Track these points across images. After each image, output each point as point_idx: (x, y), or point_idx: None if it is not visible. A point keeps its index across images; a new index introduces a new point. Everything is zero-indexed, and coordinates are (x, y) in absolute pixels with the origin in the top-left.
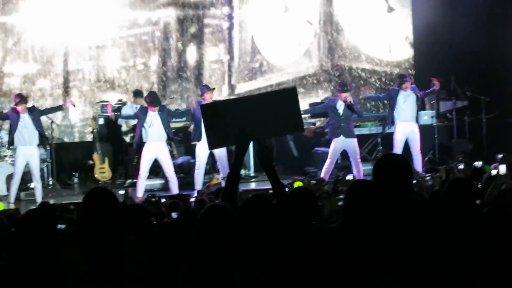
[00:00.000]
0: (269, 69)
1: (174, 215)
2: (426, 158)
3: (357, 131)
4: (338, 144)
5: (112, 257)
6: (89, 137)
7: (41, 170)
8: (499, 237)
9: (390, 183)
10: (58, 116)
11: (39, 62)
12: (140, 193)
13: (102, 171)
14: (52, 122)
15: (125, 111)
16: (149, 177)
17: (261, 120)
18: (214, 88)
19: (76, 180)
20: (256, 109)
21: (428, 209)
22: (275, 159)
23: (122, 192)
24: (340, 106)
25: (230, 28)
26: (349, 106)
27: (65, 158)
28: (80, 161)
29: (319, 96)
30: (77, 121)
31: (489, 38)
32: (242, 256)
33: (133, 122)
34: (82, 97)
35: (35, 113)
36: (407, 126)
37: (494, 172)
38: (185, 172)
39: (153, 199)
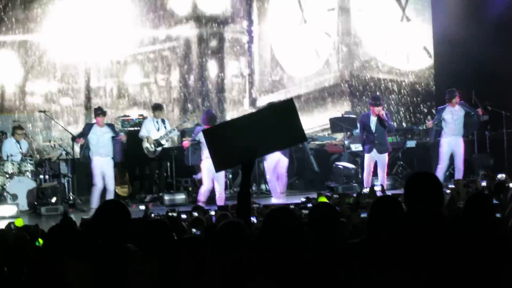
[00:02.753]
0: (289, 81)
1: (195, 231)
2: (447, 173)
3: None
4: (371, 158)
5: (119, 272)
6: None
7: (62, 184)
8: None
9: (420, 201)
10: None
11: (61, 80)
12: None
13: (123, 186)
14: (73, 137)
15: (146, 125)
16: (170, 192)
17: (263, 136)
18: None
19: None
20: (257, 126)
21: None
22: (296, 174)
23: (142, 207)
24: (372, 121)
25: (250, 42)
26: (381, 121)
27: (86, 173)
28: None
29: (337, 107)
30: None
31: (510, 51)
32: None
33: (154, 136)
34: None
35: (112, 128)
36: (453, 140)
37: None
38: None
39: (173, 214)
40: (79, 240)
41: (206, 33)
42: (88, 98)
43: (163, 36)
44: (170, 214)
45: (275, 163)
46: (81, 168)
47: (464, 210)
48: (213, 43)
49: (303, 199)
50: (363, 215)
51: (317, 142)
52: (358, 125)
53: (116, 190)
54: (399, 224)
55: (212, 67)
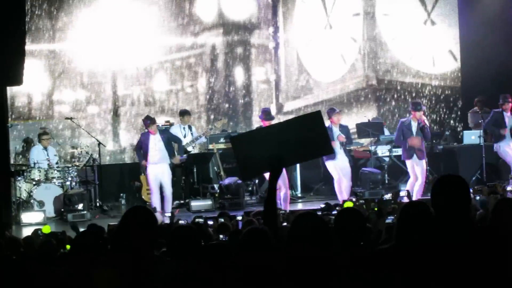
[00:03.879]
0: (316, 87)
1: (222, 237)
2: (474, 178)
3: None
4: (412, 163)
5: (145, 279)
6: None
7: (88, 191)
8: None
9: (447, 204)
10: (108, 140)
11: (88, 89)
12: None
13: (149, 192)
14: (99, 143)
15: (174, 131)
16: (196, 198)
17: (289, 146)
18: (340, 111)
19: (123, 201)
20: (284, 136)
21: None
22: (322, 179)
23: (168, 214)
24: (414, 127)
25: (276, 48)
26: (422, 128)
27: (112, 180)
28: (127, 183)
29: (364, 112)
30: (127, 145)
31: None
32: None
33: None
34: (131, 121)
35: (166, 134)
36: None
37: None
38: (232, 193)
39: (199, 220)
40: (106, 247)
41: (232, 39)
42: (115, 106)
43: (189, 43)
44: (196, 220)
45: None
46: (108, 174)
47: (492, 214)
48: (239, 49)
49: (322, 205)
50: (388, 220)
51: None
52: (397, 130)
53: (143, 197)
54: (428, 229)
55: (238, 73)
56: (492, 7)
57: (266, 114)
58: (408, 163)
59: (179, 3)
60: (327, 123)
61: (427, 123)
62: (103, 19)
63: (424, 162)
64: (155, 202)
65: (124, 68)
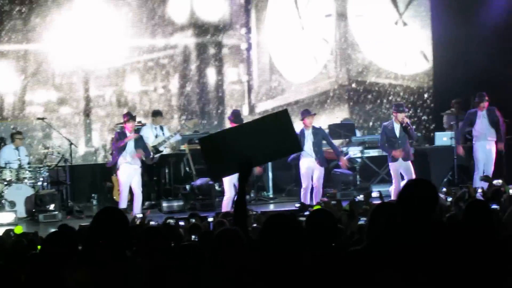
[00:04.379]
0: (288, 88)
1: (194, 237)
2: (445, 179)
3: (376, 152)
4: (396, 166)
5: (117, 279)
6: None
7: (60, 192)
8: None
9: (415, 206)
10: (81, 141)
11: (60, 89)
12: None
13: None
14: (71, 144)
15: (145, 132)
16: (168, 199)
17: (258, 146)
18: (315, 114)
19: (94, 202)
20: (252, 136)
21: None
22: (294, 181)
23: (140, 215)
24: (396, 129)
25: (248, 49)
26: (405, 128)
27: (84, 180)
28: (99, 183)
29: (336, 113)
30: (99, 146)
31: (509, 55)
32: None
33: (153, 143)
34: (104, 122)
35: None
36: (485, 145)
37: None
38: (203, 194)
39: (171, 221)
40: (77, 247)
41: (204, 40)
42: (87, 107)
43: (161, 44)
44: (168, 221)
45: (311, 173)
46: (79, 175)
47: (463, 215)
48: (212, 50)
49: (297, 205)
50: (361, 221)
51: None
52: (380, 134)
53: (115, 198)
54: (398, 230)
55: (210, 74)
56: (466, 8)
57: (235, 116)
58: (392, 166)
59: (151, 4)
60: (299, 125)
61: (410, 124)
62: (76, 19)
63: (410, 164)
64: (124, 202)
65: (96, 69)
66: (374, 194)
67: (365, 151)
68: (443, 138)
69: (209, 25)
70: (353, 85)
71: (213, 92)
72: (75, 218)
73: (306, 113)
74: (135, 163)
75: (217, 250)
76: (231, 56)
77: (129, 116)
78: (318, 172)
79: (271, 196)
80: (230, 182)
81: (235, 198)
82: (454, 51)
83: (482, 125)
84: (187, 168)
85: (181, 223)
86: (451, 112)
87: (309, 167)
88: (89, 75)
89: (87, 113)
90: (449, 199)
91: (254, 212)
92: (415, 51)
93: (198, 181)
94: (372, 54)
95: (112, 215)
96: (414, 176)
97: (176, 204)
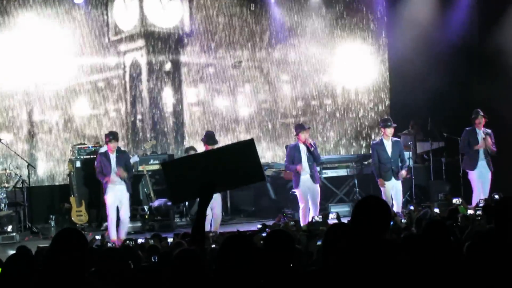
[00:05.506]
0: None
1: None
2: (403, 199)
3: (334, 173)
4: (389, 186)
5: None
6: (66, 180)
7: (18, 214)
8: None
9: (368, 224)
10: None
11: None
12: None
13: (79, 214)
14: (29, 165)
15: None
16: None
17: (222, 173)
18: (309, 128)
19: (52, 223)
20: (217, 163)
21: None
22: (253, 202)
23: (98, 236)
24: (387, 145)
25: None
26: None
27: (41, 201)
28: (57, 204)
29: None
30: (45, 177)
31: (464, 78)
32: None
33: None
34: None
35: (125, 156)
36: (484, 164)
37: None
38: (162, 215)
39: (129, 242)
40: (36, 269)
41: (157, 59)
42: (30, 133)
43: (112, 62)
44: (127, 242)
45: (307, 191)
46: (37, 196)
47: (422, 235)
48: (167, 67)
49: (259, 226)
50: (319, 242)
51: (273, 169)
52: (372, 152)
53: (73, 219)
54: (351, 251)
55: (167, 93)
56: (419, 28)
57: (208, 137)
58: (387, 184)
59: (100, 20)
60: (294, 140)
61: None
62: (17, 39)
63: (399, 184)
64: (112, 230)
65: (40, 91)
66: (332, 215)
67: (323, 171)
68: None
69: (164, 41)
70: (311, 105)
71: (170, 112)
72: (33, 240)
73: (300, 129)
74: (120, 184)
75: (175, 270)
76: (189, 73)
77: (112, 136)
78: (315, 191)
79: (229, 217)
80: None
81: (194, 222)
82: (410, 72)
83: (481, 144)
84: (145, 189)
85: (141, 240)
86: (408, 132)
87: (305, 185)
88: (32, 98)
89: (30, 139)
90: (403, 220)
91: (213, 233)
92: (372, 71)
93: (156, 202)
94: (330, 74)
95: (71, 236)
96: (400, 197)
97: (134, 225)
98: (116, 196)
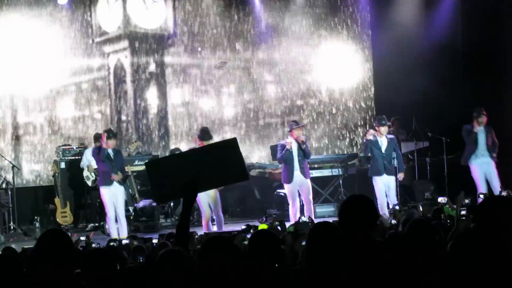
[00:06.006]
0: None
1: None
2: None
3: (319, 173)
4: (382, 181)
5: None
6: (50, 181)
7: (2, 215)
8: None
9: (354, 223)
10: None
11: None
12: None
13: (64, 215)
14: (13, 166)
15: (87, 155)
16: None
17: (206, 172)
18: (303, 125)
19: (37, 224)
20: (200, 162)
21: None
22: (238, 202)
23: (83, 238)
24: (380, 143)
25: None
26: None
27: (26, 202)
28: (41, 206)
29: (278, 133)
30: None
31: (447, 77)
32: None
33: (95, 165)
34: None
35: (120, 155)
36: (484, 161)
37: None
38: (146, 216)
39: (114, 244)
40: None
41: (141, 60)
42: (14, 134)
43: (96, 64)
44: (111, 243)
45: (297, 188)
46: (22, 197)
47: (406, 235)
48: (151, 68)
49: (244, 227)
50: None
51: (258, 170)
52: (364, 148)
53: (58, 220)
54: (335, 249)
55: (151, 94)
56: (403, 28)
57: (204, 133)
58: (379, 180)
59: (85, 22)
60: (280, 139)
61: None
62: (0, 40)
63: (392, 180)
64: (113, 228)
65: (25, 93)
66: (304, 218)
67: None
68: None
69: (148, 46)
70: (296, 105)
71: (155, 113)
72: (18, 241)
73: (294, 124)
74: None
75: (160, 271)
76: (174, 73)
77: (112, 134)
78: (306, 186)
79: (213, 217)
80: (205, 202)
81: (179, 222)
82: (395, 73)
83: (481, 141)
84: (130, 190)
85: (125, 241)
86: (390, 130)
87: (296, 181)
88: (16, 100)
89: (15, 143)
90: (394, 221)
91: (198, 236)
92: (357, 71)
93: (141, 203)
94: (314, 74)
95: (56, 237)
96: (395, 192)
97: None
98: (112, 192)
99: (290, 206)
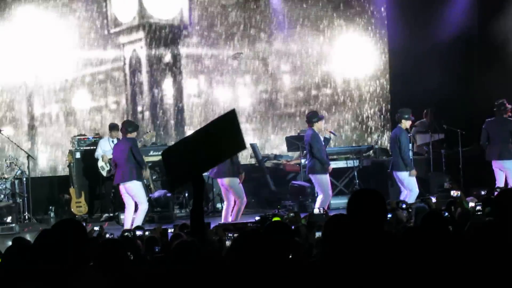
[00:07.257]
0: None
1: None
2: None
3: (334, 164)
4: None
5: None
6: (65, 171)
7: (17, 204)
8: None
9: (364, 216)
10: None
11: (1, 107)
12: None
13: (79, 205)
14: (28, 156)
15: (102, 145)
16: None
17: (209, 150)
18: (323, 117)
19: (52, 214)
20: (203, 140)
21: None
22: (253, 193)
23: (97, 228)
24: (406, 138)
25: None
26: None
27: (41, 192)
28: (56, 196)
29: (293, 125)
30: (46, 170)
31: (464, 69)
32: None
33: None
34: (50, 140)
35: (130, 143)
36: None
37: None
38: (161, 206)
39: (128, 234)
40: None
41: (156, 51)
42: (31, 125)
43: (112, 55)
44: (125, 233)
45: None
46: (37, 187)
47: (420, 227)
48: (167, 59)
49: (258, 218)
50: (318, 234)
51: (273, 161)
52: (390, 142)
53: (73, 210)
54: (349, 242)
55: (167, 84)
56: (422, 20)
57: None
58: (400, 175)
59: (100, 13)
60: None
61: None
62: (17, 32)
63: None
64: (128, 217)
65: (41, 84)
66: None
67: None
68: None
69: (163, 33)
70: (312, 96)
71: (172, 104)
72: (33, 231)
73: (314, 117)
74: None
75: (174, 262)
76: (188, 65)
77: (134, 126)
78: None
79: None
80: (225, 191)
81: (191, 208)
82: (411, 66)
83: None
84: (144, 181)
85: (139, 232)
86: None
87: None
88: (33, 92)
89: (31, 134)
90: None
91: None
92: (373, 62)
93: (156, 193)
94: (330, 65)
95: (70, 227)
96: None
97: (133, 216)
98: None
99: (324, 196)
